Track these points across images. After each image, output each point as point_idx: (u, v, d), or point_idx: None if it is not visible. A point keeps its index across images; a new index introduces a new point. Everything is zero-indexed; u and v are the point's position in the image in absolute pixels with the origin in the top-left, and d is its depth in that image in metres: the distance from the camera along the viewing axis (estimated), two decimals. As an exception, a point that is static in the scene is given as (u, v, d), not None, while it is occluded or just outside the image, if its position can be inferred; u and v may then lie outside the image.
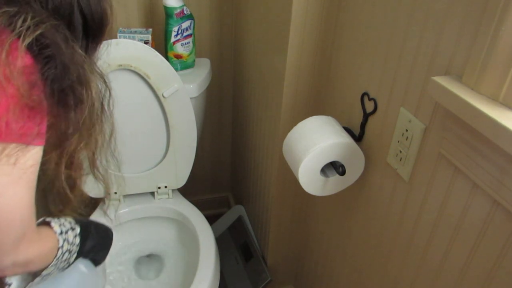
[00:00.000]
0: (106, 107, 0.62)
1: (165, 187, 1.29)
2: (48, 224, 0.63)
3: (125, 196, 1.29)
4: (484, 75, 0.52)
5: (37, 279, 0.61)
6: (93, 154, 0.64)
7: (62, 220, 0.66)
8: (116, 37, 1.15)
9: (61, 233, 0.63)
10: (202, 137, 1.57)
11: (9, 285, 0.62)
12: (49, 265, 0.60)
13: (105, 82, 0.60)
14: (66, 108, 0.50)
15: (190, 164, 1.27)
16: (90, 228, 0.71)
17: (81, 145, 0.57)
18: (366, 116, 0.82)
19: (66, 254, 0.64)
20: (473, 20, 0.54)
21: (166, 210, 1.29)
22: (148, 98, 1.14)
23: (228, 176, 1.78)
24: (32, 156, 0.47)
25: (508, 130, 0.46)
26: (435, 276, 0.67)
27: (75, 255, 0.67)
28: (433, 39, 0.62)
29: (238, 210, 1.54)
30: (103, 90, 0.60)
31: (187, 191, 1.36)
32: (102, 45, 0.59)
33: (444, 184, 0.63)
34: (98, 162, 0.67)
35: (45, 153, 0.51)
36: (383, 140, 0.78)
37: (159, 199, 1.30)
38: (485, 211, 0.56)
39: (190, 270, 1.19)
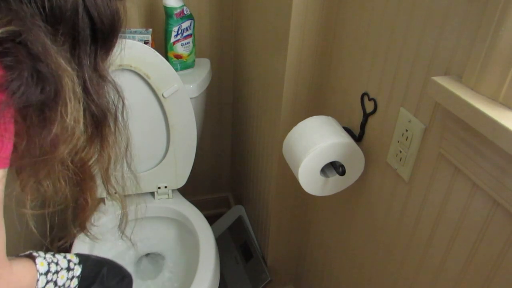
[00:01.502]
0: (120, 118, 0.56)
1: (165, 187, 1.29)
2: (33, 258, 0.56)
3: (125, 196, 1.28)
4: (484, 75, 0.52)
5: None
6: (106, 170, 0.58)
7: (59, 257, 0.59)
8: (116, 37, 1.15)
9: (47, 272, 0.56)
10: (202, 137, 1.57)
11: None
12: None
13: (117, 92, 0.55)
14: (32, 128, 0.43)
15: (190, 164, 1.27)
16: (99, 272, 0.65)
17: (91, 162, 0.53)
18: (366, 116, 0.82)
19: None
20: (473, 20, 0.54)
21: (166, 210, 1.29)
22: (148, 98, 1.14)
23: (228, 176, 1.78)
24: None
25: (508, 130, 0.46)
26: (435, 276, 0.67)
27: None
28: (433, 39, 0.62)
29: (238, 210, 1.54)
30: (115, 101, 0.55)
31: (187, 191, 1.36)
32: (115, 50, 0.52)
33: (444, 184, 0.63)
34: (113, 179, 0.61)
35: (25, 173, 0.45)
36: (383, 140, 0.78)
37: (159, 199, 1.30)
38: (485, 211, 0.56)
39: (190, 270, 1.19)
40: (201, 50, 1.40)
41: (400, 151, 0.72)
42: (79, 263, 0.61)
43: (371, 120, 0.82)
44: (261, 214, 1.32)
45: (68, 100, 0.44)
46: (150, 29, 1.20)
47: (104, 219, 1.18)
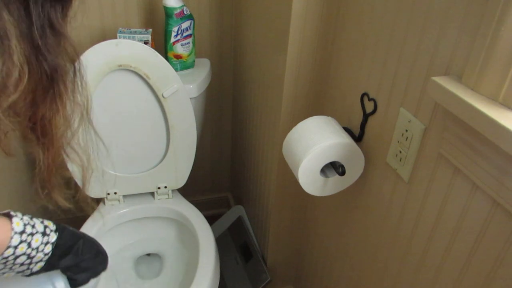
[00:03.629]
0: (78, 76, 0.54)
1: (165, 187, 1.29)
2: (10, 217, 0.56)
3: (125, 196, 1.29)
4: (483, 75, 0.52)
5: None
6: (64, 130, 0.56)
7: (36, 221, 0.59)
8: (115, 37, 1.15)
9: (22, 232, 0.56)
10: (202, 137, 1.57)
11: None
12: None
13: (74, 50, 0.52)
14: None
15: (190, 164, 1.27)
16: (76, 243, 0.64)
17: (47, 118, 0.51)
18: (366, 116, 0.82)
19: (23, 257, 0.57)
20: (473, 20, 0.54)
21: (166, 210, 1.29)
22: (148, 98, 1.14)
23: (228, 176, 1.78)
24: None
25: (508, 130, 0.46)
26: (435, 276, 0.67)
27: (40, 264, 0.60)
28: (433, 39, 0.62)
29: (238, 210, 1.54)
30: (71, 57, 0.52)
31: (187, 191, 1.36)
32: (74, 2, 0.49)
33: (444, 184, 0.63)
34: (72, 142, 0.59)
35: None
36: (383, 140, 0.78)
37: (159, 199, 1.30)
38: (485, 211, 0.56)
39: (190, 270, 1.19)
40: (201, 50, 1.40)
41: (400, 151, 0.72)
42: (55, 231, 0.61)
43: (371, 120, 0.82)
44: (261, 214, 1.32)
45: (10, 52, 0.43)
46: (150, 29, 1.20)
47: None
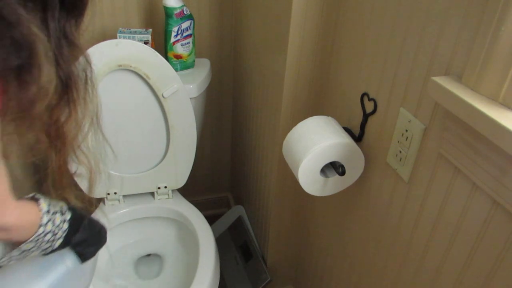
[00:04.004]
0: (89, 84, 0.59)
1: (165, 187, 1.29)
2: (36, 200, 0.63)
3: (125, 196, 1.29)
4: (483, 75, 0.52)
5: (15, 251, 0.61)
6: (75, 135, 0.62)
7: (54, 202, 0.65)
8: (115, 37, 1.15)
9: (48, 212, 0.62)
10: (202, 137, 1.57)
11: None
12: (28, 239, 0.60)
13: (86, 59, 0.58)
14: (14, 88, 0.48)
15: (190, 164, 1.27)
16: (83, 221, 0.70)
17: (60, 123, 0.57)
18: (366, 116, 0.82)
19: (49, 235, 0.63)
20: (473, 20, 0.54)
21: (166, 210, 1.29)
22: (148, 98, 1.14)
23: (228, 176, 1.78)
24: None
25: (508, 130, 0.46)
26: (435, 276, 0.67)
27: (60, 241, 0.66)
28: (433, 39, 0.62)
29: (238, 210, 1.54)
30: (84, 66, 0.58)
31: (187, 191, 1.36)
32: (86, 16, 0.55)
33: (444, 184, 0.63)
34: (83, 146, 0.65)
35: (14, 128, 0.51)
36: (383, 140, 0.78)
37: (159, 199, 1.30)
38: (485, 211, 0.56)
39: (190, 270, 1.19)
40: (201, 50, 1.40)
41: (400, 151, 0.72)
42: (68, 209, 0.67)
43: (371, 120, 0.82)
44: (261, 214, 1.32)
45: (42, 63, 0.48)
46: (150, 29, 1.20)
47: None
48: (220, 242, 1.46)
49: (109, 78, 1.09)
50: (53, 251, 0.67)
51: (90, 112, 0.62)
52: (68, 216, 0.67)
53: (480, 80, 0.52)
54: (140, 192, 1.29)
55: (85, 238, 0.71)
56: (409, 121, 0.69)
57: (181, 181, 1.30)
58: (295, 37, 0.90)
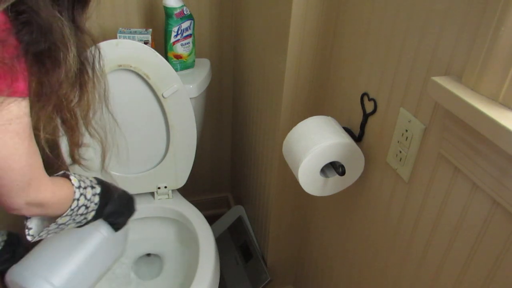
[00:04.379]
0: (97, 66, 0.64)
1: (165, 187, 1.29)
2: (67, 176, 0.66)
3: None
4: (483, 75, 0.52)
5: (52, 225, 0.64)
6: (87, 113, 0.66)
7: (84, 177, 0.70)
8: (115, 37, 1.15)
9: (79, 187, 0.66)
10: (202, 137, 1.57)
11: (29, 229, 0.66)
12: (64, 213, 0.63)
13: (94, 43, 0.62)
14: (43, 69, 0.52)
15: (190, 164, 1.27)
16: (112, 194, 0.75)
17: (72, 104, 0.60)
18: (366, 116, 0.82)
19: (82, 208, 0.67)
20: (473, 20, 0.54)
21: (166, 210, 1.29)
22: (148, 98, 1.14)
23: (228, 176, 1.78)
24: (12, 109, 0.50)
25: (508, 130, 0.46)
26: (435, 276, 0.67)
27: (93, 213, 0.70)
28: (433, 39, 0.62)
29: (238, 210, 1.54)
30: (92, 51, 0.62)
31: (187, 191, 1.36)
32: (91, 4, 0.59)
33: (444, 184, 0.63)
34: (93, 122, 0.69)
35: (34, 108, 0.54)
36: (383, 140, 0.78)
37: (159, 199, 1.30)
38: (485, 211, 0.56)
39: (190, 270, 1.19)
40: (201, 50, 1.40)
41: (400, 151, 0.72)
42: (98, 183, 0.72)
43: (371, 120, 0.82)
44: (261, 214, 1.32)
45: (68, 46, 0.53)
46: (150, 29, 1.20)
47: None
48: (220, 242, 1.46)
49: (109, 78, 1.08)
50: (87, 223, 0.71)
51: (99, 91, 0.66)
52: (98, 189, 0.71)
53: (480, 80, 0.52)
54: (140, 192, 1.29)
55: (115, 209, 0.75)
56: (409, 121, 0.69)
57: (181, 181, 1.30)
58: (295, 37, 0.90)
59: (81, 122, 0.66)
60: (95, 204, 0.70)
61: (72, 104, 0.61)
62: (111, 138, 0.74)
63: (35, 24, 0.48)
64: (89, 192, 0.68)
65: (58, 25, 0.52)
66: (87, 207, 0.68)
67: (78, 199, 0.65)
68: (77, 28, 0.57)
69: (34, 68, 0.51)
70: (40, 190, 0.58)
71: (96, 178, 0.73)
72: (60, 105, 0.59)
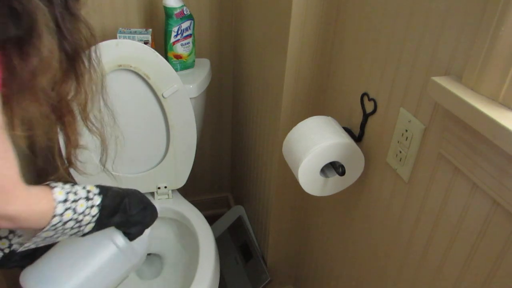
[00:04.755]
0: (93, 56, 0.59)
1: (165, 187, 1.29)
2: (51, 188, 0.60)
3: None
4: (483, 75, 0.52)
5: (35, 238, 0.59)
6: (84, 106, 0.62)
7: (78, 188, 0.63)
8: (115, 37, 1.15)
9: (65, 201, 0.59)
10: (202, 137, 1.57)
11: (19, 236, 0.62)
12: (43, 228, 0.57)
13: (90, 31, 0.57)
14: (15, 59, 0.48)
15: (190, 164, 1.27)
16: (121, 202, 0.68)
17: (69, 97, 0.57)
18: (366, 116, 0.82)
19: (71, 223, 0.60)
20: (473, 20, 0.54)
21: (166, 210, 1.29)
22: (148, 98, 1.14)
23: (228, 176, 1.78)
24: None
25: (508, 130, 0.46)
26: (435, 276, 0.67)
27: (91, 225, 0.64)
28: (433, 39, 0.62)
29: (238, 211, 1.54)
30: (89, 40, 0.58)
31: (187, 191, 1.36)
32: None
33: (444, 184, 0.63)
34: (91, 115, 0.65)
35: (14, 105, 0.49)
36: (383, 141, 0.78)
37: (159, 199, 1.30)
38: (485, 211, 0.56)
39: (190, 270, 1.19)
40: (201, 50, 1.40)
41: (400, 151, 0.72)
42: (99, 194, 0.65)
43: (371, 120, 0.82)
44: (261, 214, 1.32)
45: (42, 34, 0.48)
46: (150, 29, 1.20)
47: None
48: (220, 242, 1.46)
49: (109, 78, 1.09)
50: (87, 233, 0.65)
51: (96, 82, 0.62)
52: (97, 201, 0.64)
53: (480, 80, 0.52)
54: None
55: (126, 218, 0.69)
56: (409, 121, 0.69)
57: (181, 181, 1.30)
58: (295, 37, 0.90)
59: (78, 118, 0.61)
60: (92, 216, 0.63)
61: (69, 98, 0.57)
62: (110, 133, 0.70)
63: (4, 8, 0.45)
64: (81, 205, 0.61)
65: (31, 10, 0.47)
66: (78, 221, 0.61)
67: (61, 215, 0.58)
68: (71, 16, 0.53)
69: (3, 58, 0.47)
70: (9, 202, 0.50)
71: (99, 187, 0.66)
72: (42, 99, 0.53)
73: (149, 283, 1.21)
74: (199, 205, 1.30)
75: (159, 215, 1.29)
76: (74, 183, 0.64)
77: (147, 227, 0.74)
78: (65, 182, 0.63)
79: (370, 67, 0.79)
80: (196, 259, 1.11)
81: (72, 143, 0.63)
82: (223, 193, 1.81)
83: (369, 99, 0.80)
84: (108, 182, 1.21)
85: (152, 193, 1.30)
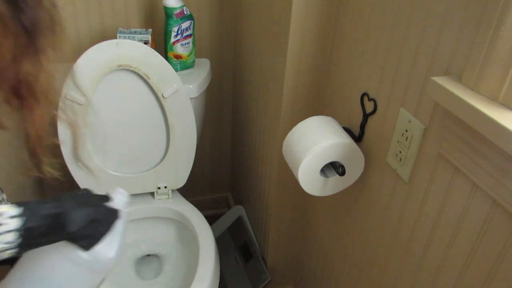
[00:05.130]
0: (57, 27, 0.52)
1: (165, 187, 1.29)
2: None
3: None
4: (483, 75, 0.52)
5: None
6: (48, 87, 0.53)
7: None
8: (115, 37, 1.15)
9: None
10: (202, 137, 1.57)
11: None
12: None
13: (52, 3, 0.51)
14: None
15: (190, 164, 1.27)
16: (56, 219, 0.57)
17: (30, 77, 0.49)
18: (366, 116, 0.82)
19: None
20: (473, 20, 0.54)
21: (166, 210, 1.29)
22: (148, 98, 1.14)
23: (228, 176, 1.78)
24: None
25: (508, 130, 0.46)
26: (435, 276, 0.67)
27: (10, 251, 0.54)
28: (433, 39, 0.62)
29: (238, 210, 1.54)
30: (49, 9, 0.51)
31: (187, 191, 1.36)
32: None
33: (444, 184, 0.63)
34: (60, 100, 0.56)
35: None
36: (383, 141, 0.78)
37: (159, 199, 1.30)
38: (485, 211, 0.56)
39: (190, 270, 1.19)
40: (201, 50, 1.40)
41: (400, 151, 0.72)
42: (19, 215, 0.54)
43: (371, 120, 0.82)
44: (261, 214, 1.32)
45: None
46: (150, 29, 1.20)
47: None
48: (220, 242, 1.46)
49: (109, 78, 1.09)
50: (9, 259, 0.56)
51: (63, 60, 0.53)
52: (12, 225, 0.53)
53: (480, 80, 0.52)
54: (140, 192, 1.29)
55: (67, 236, 0.60)
56: (409, 121, 0.69)
57: (181, 181, 1.30)
58: (295, 37, 0.90)
59: (42, 103, 0.53)
60: (7, 243, 0.53)
61: (29, 77, 0.49)
62: (83, 120, 0.59)
63: None
64: None
65: None
66: None
67: None
68: None
69: None
70: None
71: (23, 207, 0.54)
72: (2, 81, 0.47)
73: (149, 283, 1.21)
74: (199, 205, 1.30)
75: (159, 215, 1.30)
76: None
77: (100, 237, 0.63)
78: None
79: (370, 67, 0.79)
80: (196, 259, 1.11)
81: (38, 133, 0.54)
82: (223, 193, 1.81)
83: (369, 99, 0.80)
84: (108, 182, 1.22)
85: (152, 193, 1.30)
